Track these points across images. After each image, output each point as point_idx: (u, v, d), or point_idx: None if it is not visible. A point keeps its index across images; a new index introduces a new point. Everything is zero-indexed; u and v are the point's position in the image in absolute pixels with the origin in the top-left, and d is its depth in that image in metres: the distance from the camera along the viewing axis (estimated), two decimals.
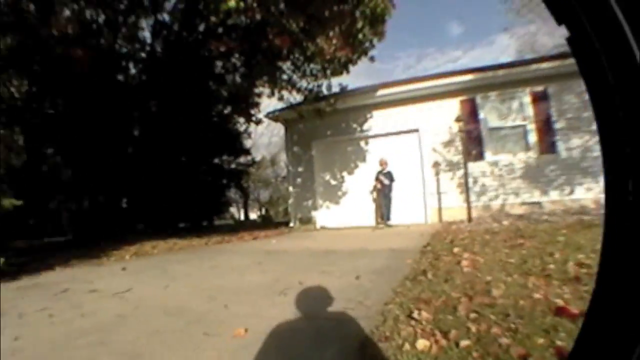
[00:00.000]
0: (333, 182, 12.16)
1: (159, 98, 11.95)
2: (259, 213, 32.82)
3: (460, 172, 10.10)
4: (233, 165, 18.53)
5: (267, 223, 17.69)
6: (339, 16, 8.20)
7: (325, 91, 10.55)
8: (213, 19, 8.60)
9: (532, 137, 10.04)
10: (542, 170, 9.90)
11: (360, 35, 8.63)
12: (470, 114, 10.46)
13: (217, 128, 14.71)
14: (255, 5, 7.43)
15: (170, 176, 12.93)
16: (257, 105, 13.05)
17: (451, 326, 2.33)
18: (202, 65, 11.49)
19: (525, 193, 10.03)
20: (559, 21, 0.64)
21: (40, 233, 12.42)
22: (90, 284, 4.75)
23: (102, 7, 10.78)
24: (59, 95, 11.31)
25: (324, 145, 12.29)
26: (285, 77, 10.54)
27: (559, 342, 1.93)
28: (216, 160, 16.97)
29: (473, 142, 10.30)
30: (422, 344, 2.13)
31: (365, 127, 11.73)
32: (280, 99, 10.94)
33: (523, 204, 9.96)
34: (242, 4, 7.16)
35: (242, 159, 19.20)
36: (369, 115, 11.64)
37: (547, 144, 9.87)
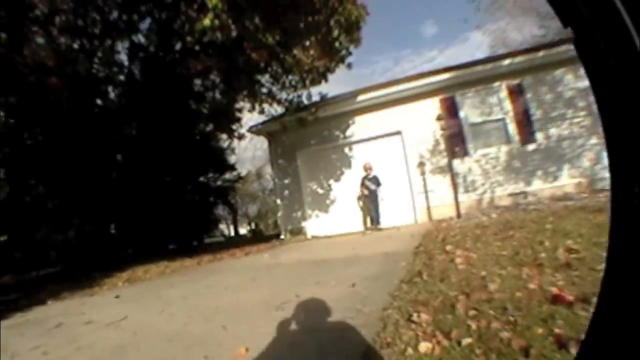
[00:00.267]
0: (320, 191, 12.15)
1: (140, 120, 11.86)
2: (248, 228, 32.62)
3: (446, 170, 10.20)
4: (219, 182, 18.42)
5: (257, 237, 17.60)
6: (314, 26, 8.26)
7: (305, 101, 10.59)
8: (189, 38, 8.58)
9: (512, 129, 10.21)
10: (524, 160, 10.10)
11: (336, 44, 8.70)
12: (451, 111, 10.60)
13: (200, 146, 14.63)
14: (230, 22, 7.43)
15: (157, 198, 12.79)
16: (238, 120, 13.01)
17: (451, 325, 2.35)
18: (181, 85, 11.43)
19: (510, 184, 10.19)
20: (565, 24, 0.65)
21: (28, 266, 12.10)
22: (84, 315, 4.65)
23: (76, 34, 10.69)
24: (37, 125, 11.14)
25: (308, 155, 12.29)
26: (264, 90, 10.56)
27: (557, 330, 1.96)
28: (202, 179, 16.86)
29: (455, 139, 10.42)
30: (424, 346, 2.13)
31: (348, 133, 11.78)
32: (262, 112, 10.95)
33: (510, 195, 10.10)
34: (217, 22, 7.16)
35: (227, 175, 19.11)
36: (350, 122, 11.70)
37: (527, 134, 10.07)
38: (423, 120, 10.67)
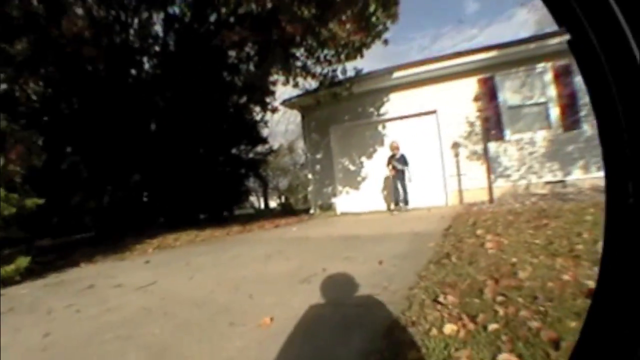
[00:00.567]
0: (352, 168, 12.10)
1: (174, 91, 12.01)
2: (278, 201, 32.89)
3: (480, 153, 9.92)
4: (251, 155, 18.53)
5: (287, 211, 17.72)
6: (351, 0, 8.06)
7: (340, 76, 10.42)
8: (224, 9, 8.55)
9: (555, 114, 9.75)
10: (565, 147, 9.60)
11: (373, 19, 8.47)
12: (489, 92, 10.21)
13: (233, 118, 14.72)
14: None
15: (189, 168, 13.05)
16: (272, 93, 13.01)
17: (478, 310, 2.31)
18: (216, 56, 11.46)
19: (548, 172, 9.78)
20: (560, 24, 0.65)
21: (64, 231, 12.65)
22: (114, 278, 4.86)
23: (112, 5, 10.83)
24: (74, 94, 11.47)
25: (342, 131, 12.22)
26: (299, 63, 10.45)
27: None
28: (234, 151, 17.01)
29: (492, 121, 10.07)
30: (449, 328, 2.12)
31: (382, 110, 11.58)
32: (295, 85, 10.86)
33: (547, 183, 9.74)
34: None
35: (259, 148, 19.17)
36: (385, 99, 11.48)
37: (571, 120, 9.54)
38: (459, 100, 10.35)
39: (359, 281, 3.31)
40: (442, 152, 10.67)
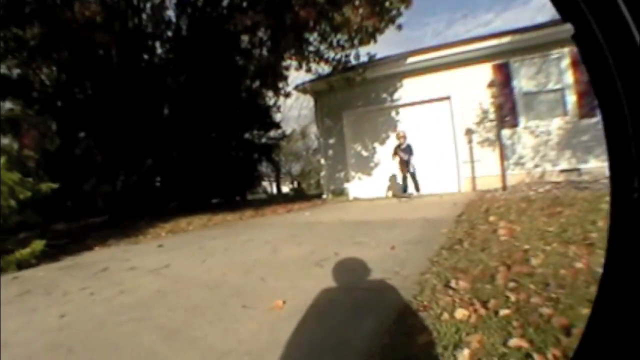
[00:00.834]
0: (365, 153, 12.06)
1: (187, 76, 12.04)
2: (291, 186, 33.00)
3: (494, 140, 9.80)
4: (264, 140, 18.58)
5: (299, 196, 17.81)
6: None
7: (353, 61, 10.34)
8: None
9: (571, 101, 9.55)
10: (581, 135, 9.40)
11: (386, 3, 8.39)
12: (504, 79, 10.04)
13: (246, 103, 14.73)
14: None
15: (201, 153, 13.14)
16: (285, 78, 12.94)
17: (490, 295, 2.33)
18: (228, 41, 11.42)
19: (564, 160, 9.62)
20: (564, 18, 0.65)
21: (78, 215, 12.85)
22: (128, 261, 4.93)
23: None
24: (87, 80, 11.56)
25: (355, 116, 12.15)
26: (312, 48, 10.38)
27: None
28: (247, 135, 17.06)
29: (507, 108, 9.92)
30: (461, 313, 2.14)
31: (395, 96, 11.48)
32: (308, 70, 10.81)
33: (562, 171, 9.60)
34: None
35: (272, 133, 19.21)
36: (399, 84, 11.36)
37: (588, 108, 9.33)
38: (474, 86, 10.19)
39: (370, 266, 3.34)
40: (456, 138, 10.56)
